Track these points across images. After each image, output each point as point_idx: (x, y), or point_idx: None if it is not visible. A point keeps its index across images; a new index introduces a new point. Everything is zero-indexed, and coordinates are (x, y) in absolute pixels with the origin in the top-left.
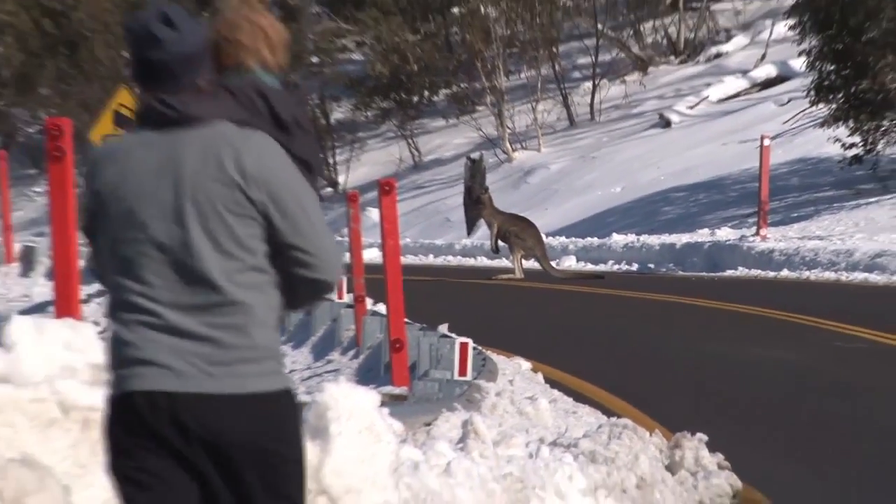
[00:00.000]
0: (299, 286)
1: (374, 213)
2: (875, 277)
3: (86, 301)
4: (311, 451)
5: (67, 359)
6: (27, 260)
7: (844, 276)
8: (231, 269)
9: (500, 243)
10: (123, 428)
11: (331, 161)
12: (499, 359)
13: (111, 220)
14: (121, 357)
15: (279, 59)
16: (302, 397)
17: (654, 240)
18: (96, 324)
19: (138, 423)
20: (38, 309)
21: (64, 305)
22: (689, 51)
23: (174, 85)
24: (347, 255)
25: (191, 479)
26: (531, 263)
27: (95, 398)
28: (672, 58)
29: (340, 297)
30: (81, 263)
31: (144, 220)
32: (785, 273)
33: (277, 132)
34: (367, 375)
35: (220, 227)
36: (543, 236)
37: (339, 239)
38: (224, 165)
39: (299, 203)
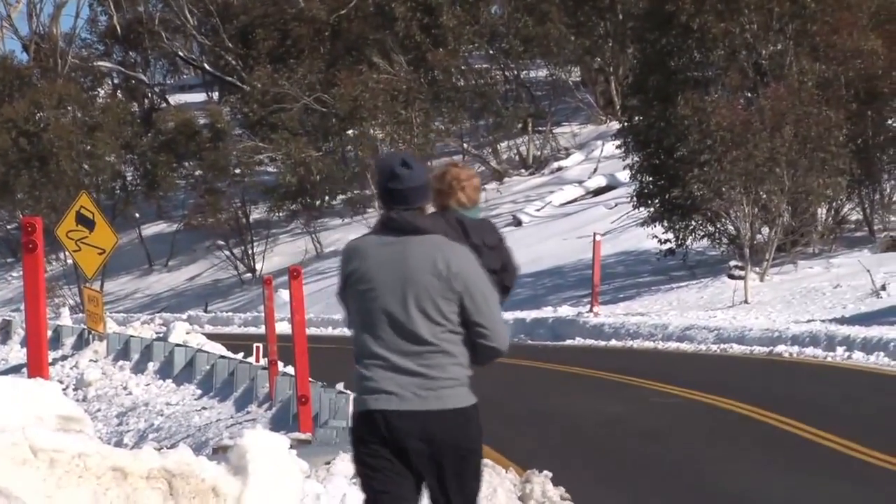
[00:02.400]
0: (480, 350)
1: (285, 294)
2: (685, 346)
3: (52, 364)
4: (233, 483)
5: (37, 410)
6: (5, 331)
7: (661, 345)
8: (436, 330)
9: None
10: (364, 434)
11: (250, 252)
12: None
13: (357, 293)
14: (362, 387)
15: (475, 199)
16: (226, 441)
17: (509, 315)
18: (60, 382)
19: (374, 431)
20: (13, 370)
21: (35, 367)
22: (536, 165)
23: (406, 206)
24: (270, 331)
25: (406, 466)
26: None
27: (59, 442)
28: (523, 170)
29: (257, 361)
30: (49, 333)
31: (379, 296)
32: (613, 342)
33: (471, 249)
34: (279, 424)
35: (429, 305)
36: None
37: (257, 314)
38: (437, 264)
39: (483, 295)
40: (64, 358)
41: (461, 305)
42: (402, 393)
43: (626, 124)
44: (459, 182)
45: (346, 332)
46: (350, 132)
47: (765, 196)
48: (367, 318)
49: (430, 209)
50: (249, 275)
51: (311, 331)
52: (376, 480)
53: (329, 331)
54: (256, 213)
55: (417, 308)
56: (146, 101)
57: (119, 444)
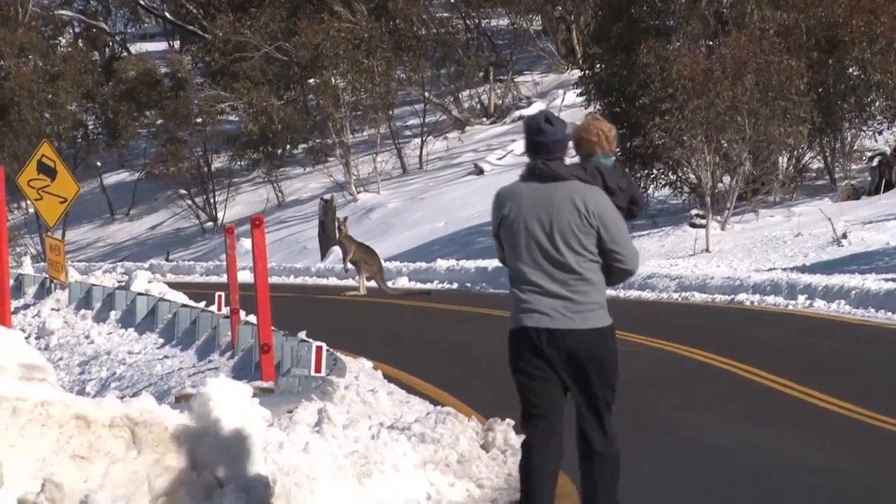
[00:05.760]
0: (615, 272)
1: (247, 243)
2: (647, 294)
3: (14, 313)
4: (195, 432)
5: None
6: None
7: (622, 294)
8: (580, 260)
9: (350, 266)
10: (520, 346)
11: (211, 201)
12: (347, 359)
13: (512, 231)
14: (519, 307)
15: (612, 148)
16: (188, 390)
17: (471, 264)
18: (22, 331)
19: (529, 345)
20: None
21: None
22: (497, 114)
23: (549, 156)
24: (232, 280)
25: (555, 375)
26: (371, 283)
27: (22, 391)
28: (484, 119)
29: (220, 310)
30: (11, 282)
31: (532, 232)
32: None
33: (606, 191)
34: (241, 372)
35: (573, 239)
36: (382, 261)
37: (218, 263)
38: (577, 204)
39: (616, 226)
40: (26, 307)
41: (598, 237)
42: (554, 314)
43: (587, 73)
44: (604, 133)
45: (307, 279)
46: (311, 81)
47: (726, 144)
48: (522, 252)
49: (573, 157)
50: (211, 223)
51: (273, 279)
52: (530, 384)
53: (291, 279)
54: (218, 162)
55: (563, 242)
56: (107, 50)
57: (81, 392)
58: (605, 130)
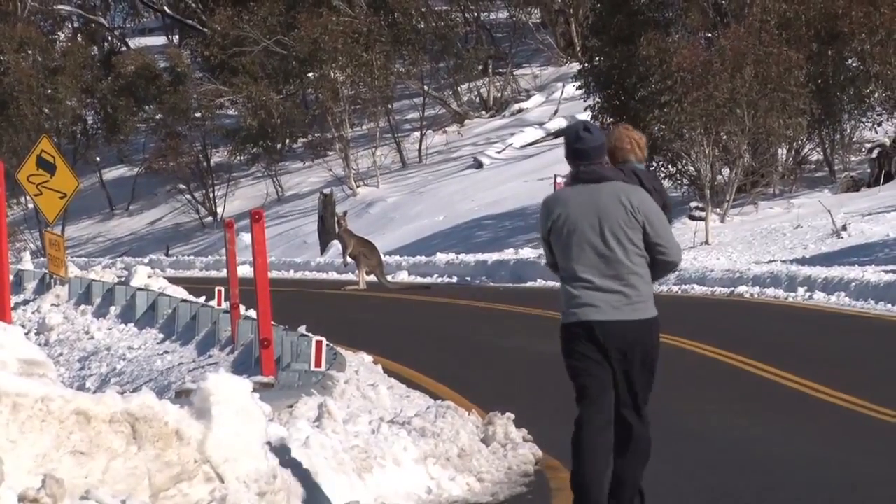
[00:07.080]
0: (659, 265)
1: (246, 237)
2: None
3: (14, 308)
4: (196, 427)
5: None
6: None
7: None
8: (629, 254)
9: (350, 260)
10: (574, 339)
11: (211, 195)
12: (346, 353)
13: (562, 234)
14: (572, 303)
15: (643, 155)
16: (188, 385)
17: (470, 258)
18: (22, 327)
19: (582, 336)
20: None
21: None
22: (496, 107)
23: (589, 162)
24: (232, 275)
25: (606, 363)
26: (370, 277)
27: (22, 386)
28: (483, 113)
29: (219, 304)
30: (10, 278)
31: (583, 232)
32: None
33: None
34: (241, 367)
35: (621, 234)
36: (382, 255)
37: (218, 258)
38: (622, 202)
39: (660, 221)
40: (26, 302)
41: (644, 232)
42: (605, 307)
43: (586, 65)
44: (636, 142)
45: (307, 274)
46: (310, 75)
47: (725, 137)
48: (574, 251)
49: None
50: (211, 218)
51: (273, 274)
52: (581, 369)
53: (291, 274)
54: (217, 157)
55: (613, 237)
56: (106, 44)
57: (81, 388)
58: (636, 139)
